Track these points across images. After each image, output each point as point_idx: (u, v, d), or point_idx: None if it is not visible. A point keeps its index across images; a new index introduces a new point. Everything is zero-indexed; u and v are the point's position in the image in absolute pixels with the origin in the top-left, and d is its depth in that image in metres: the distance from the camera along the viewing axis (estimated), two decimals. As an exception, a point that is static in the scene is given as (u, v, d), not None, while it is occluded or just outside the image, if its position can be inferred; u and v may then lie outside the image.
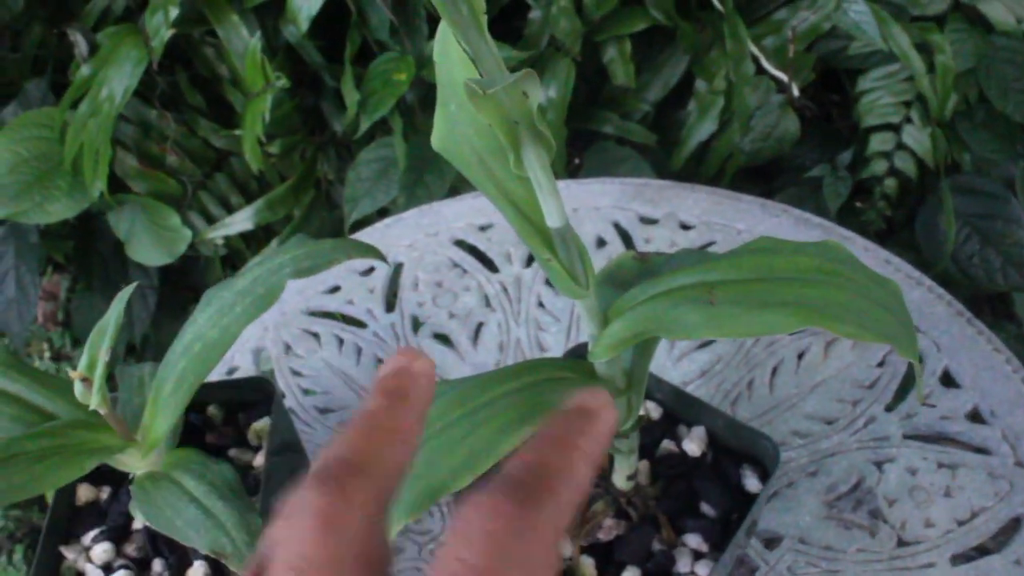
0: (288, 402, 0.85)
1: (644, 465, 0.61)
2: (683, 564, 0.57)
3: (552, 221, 0.43)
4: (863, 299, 0.44)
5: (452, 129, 0.46)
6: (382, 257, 0.60)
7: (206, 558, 0.62)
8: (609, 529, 0.58)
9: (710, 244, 0.89)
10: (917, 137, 1.23)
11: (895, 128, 1.25)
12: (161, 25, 1.20)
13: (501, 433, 0.45)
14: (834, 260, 0.45)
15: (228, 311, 0.56)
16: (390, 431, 0.32)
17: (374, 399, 0.33)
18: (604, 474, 0.59)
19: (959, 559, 0.68)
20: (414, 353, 0.35)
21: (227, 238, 1.42)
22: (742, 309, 0.43)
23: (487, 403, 0.46)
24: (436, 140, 0.46)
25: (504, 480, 0.29)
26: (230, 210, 1.43)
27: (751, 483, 0.60)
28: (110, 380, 0.58)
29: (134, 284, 0.58)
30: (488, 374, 0.48)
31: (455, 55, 0.45)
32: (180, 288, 1.56)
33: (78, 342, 1.96)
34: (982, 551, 0.68)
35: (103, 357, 0.55)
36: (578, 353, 0.63)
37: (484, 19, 0.36)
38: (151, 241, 1.38)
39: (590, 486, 0.57)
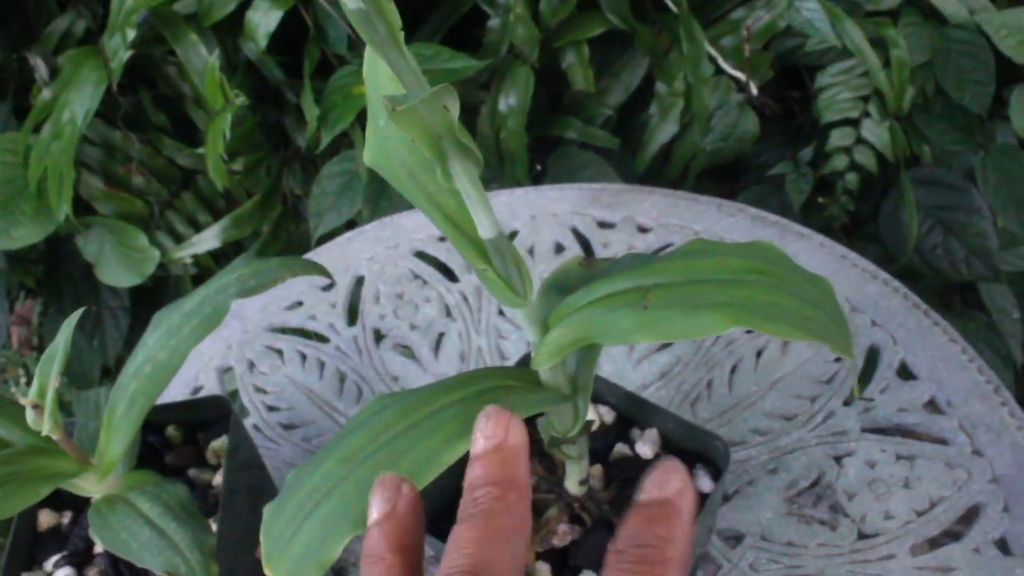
0: (252, 419, 0.85)
1: (597, 469, 0.61)
2: (638, 566, 0.58)
3: (485, 232, 0.43)
4: (794, 298, 0.44)
5: (382, 145, 0.46)
6: (327, 274, 0.60)
7: (166, 579, 0.62)
8: (564, 534, 0.58)
9: (668, 246, 0.90)
10: (876, 131, 1.24)
11: (854, 123, 1.25)
12: (119, 47, 1.20)
13: (445, 444, 0.45)
14: (765, 260, 0.46)
15: (176, 332, 0.56)
16: (512, 531, 0.33)
17: (486, 492, 0.33)
18: (557, 479, 0.60)
19: (919, 549, 0.68)
20: (505, 416, 0.35)
21: (196, 256, 1.42)
22: (675, 312, 0.43)
23: (431, 414, 0.47)
24: (368, 156, 0.47)
25: None
26: (198, 228, 1.43)
27: (704, 483, 0.60)
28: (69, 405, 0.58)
29: (81, 310, 0.58)
30: (433, 385, 0.49)
31: (382, 72, 0.45)
32: (152, 308, 1.53)
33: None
34: (942, 540, 0.69)
35: (53, 383, 0.55)
36: (526, 362, 0.64)
37: (401, 35, 0.37)
38: (120, 262, 1.38)
39: (545, 493, 0.57)
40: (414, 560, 0.34)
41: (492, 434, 0.35)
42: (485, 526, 0.33)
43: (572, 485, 0.58)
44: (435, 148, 0.39)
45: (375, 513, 0.35)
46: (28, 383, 1.96)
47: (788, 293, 0.44)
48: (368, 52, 0.46)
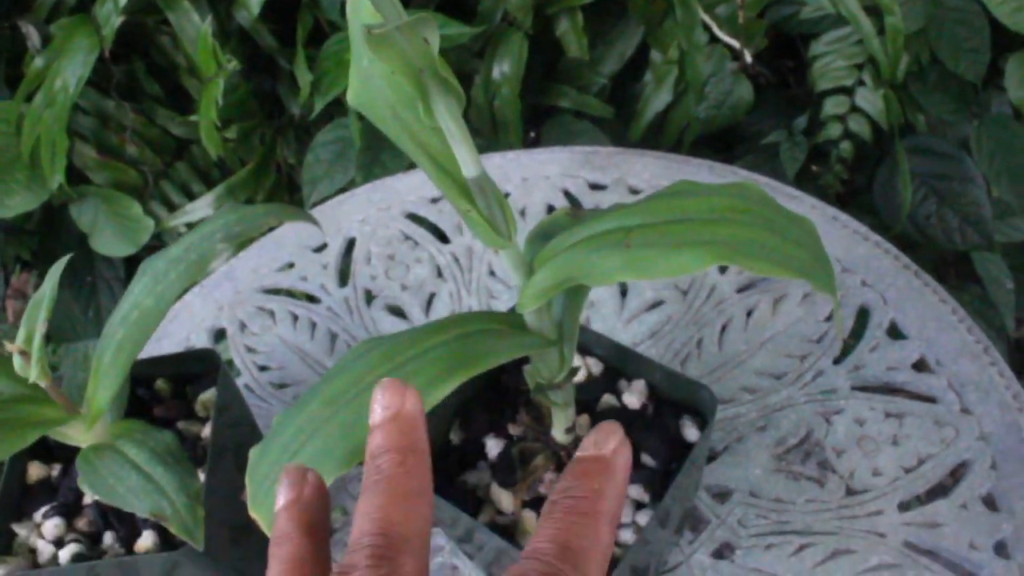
0: (244, 379, 0.85)
1: (584, 419, 0.61)
2: (624, 515, 0.58)
3: (468, 171, 0.43)
4: (777, 236, 0.44)
5: (366, 84, 0.46)
6: (314, 221, 0.60)
7: (154, 527, 0.62)
8: (550, 483, 0.58)
9: (659, 208, 0.90)
10: (870, 99, 1.23)
11: (849, 91, 1.25)
12: (111, 13, 1.20)
13: (429, 385, 0.45)
14: (748, 199, 0.46)
15: (162, 278, 0.56)
16: (417, 494, 0.34)
17: (388, 458, 0.34)
18: (544, 429, 0.60)
19: (907, 506, 0.69)
20: (400, 386, 0.36)
21: (190, 225, 1.42)
22: (657, 251, 0.43)
23: (415, 356, 0.47)
24: (351, 96, 0.47)
25: (535, 558, 0.32)
26: (192, 198, 1.43)
27: (690, 432, 0.60)
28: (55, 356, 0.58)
29: (67, 257, 0.58)
30: (417, 328, 0.49)
31: (364, 9, 0.45)
32: (146, 278, 1.55)
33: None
34: (929, 497, 0.69)
35: (40, 330, 0.56)
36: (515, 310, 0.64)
37: (380, -35, 0.37)
38: (114, 232, 1.38)
39: (534, 447, 0.57)
40: (320, 539, 0.36)
41: (389, 403, 0.36)
42: (389, 491, 0.34)
43: (559, 433, 0.59)
44: (416, 82, 0.39)
45: (282, 499, 0.36)
46: (24, 356, 1.96)
47: (771, 231, 0.44)
48: (351, -9, 0.46)
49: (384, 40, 0.35)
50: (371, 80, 0.46)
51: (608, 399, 0.63)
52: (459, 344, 0.48)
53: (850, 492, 0.70)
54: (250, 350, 0.87)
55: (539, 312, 0.50)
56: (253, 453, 0.48)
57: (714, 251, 0.42)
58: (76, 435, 0.60)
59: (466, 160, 0.43)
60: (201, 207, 1.36)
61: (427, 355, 0.47)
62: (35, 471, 0.68)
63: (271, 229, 0.97)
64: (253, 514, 0.45)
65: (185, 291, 0.56)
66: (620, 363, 0.64)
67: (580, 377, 0.63)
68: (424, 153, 0.45)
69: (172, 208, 1.43)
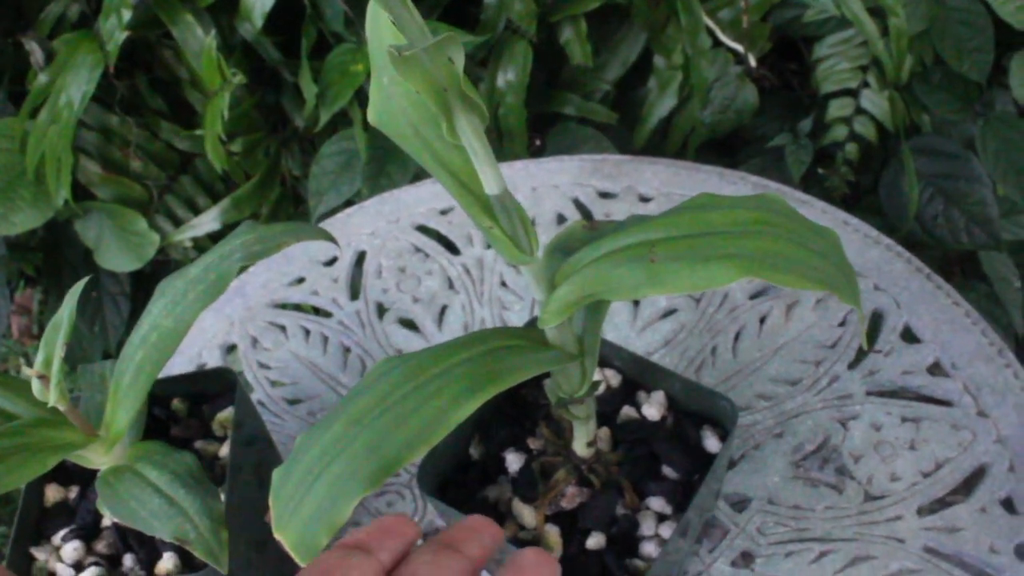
0: (257, 395, 0.85)
1: (605, 432, 0.61)
2: (647, 527, 0.58)
3: (490, 188, 0.43)
4: (802, 248, 0.44)
5: (387, 102, 0.46)
6: (332, 239, 0.60)
7: (175, 549, 0.62)
8: (572, 497, 0.58)
9: (669, 215, 0.90)
10: (875, 101, 1.23)
11: (853, 93, 1.25)
12: (115, 29, 1.20)
13: (454, 403, 0.45)
14: (772, 212, 0.46)
15: (181, 299, 0.56)
16: None
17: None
18: (565, 442, 0.60)
19: (926, 510, 0.69)
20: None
21: (196, 240, 1.42)
22: (682, 264, 0.43)
23: (439, 374, 0.46)
24: (372, 114, 0.46)
25: None
26: (197, 212, 1.43)
27: (711, 443, 0.60)
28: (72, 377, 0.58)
29: (85, 279, 0.58)
30: (440, 346, 0.48)
31: (384, 27, 0.45)
32: (152, 293, 1.55)
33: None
34: (948, 501, 0.69)
35: (58, 353, 0.55)
36: (534, 324, 0.64)
37: (404, -14, 0.37)
38: (120, 247, 1.37)
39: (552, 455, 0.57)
40: None
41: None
42: None
43: (580, 447, 0.58)
44: (440, 101, 0.39)
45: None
46: (29, 372, 1.96)
47: (795, 244, 0.44)
48: (371, 9, 0.46)
49: (411, 61, 0.35)
50: (392, 98, 0.46)
51: (628, 411, 0.63)
52: (482, 361, 0.48)
53: (869, 498, 0.70)
54: (263, 366, 0.87)
55: (561, 327, 0.50)
56: (276, 475, 0.47)
57: (740, 264, 0.42)
58: (94, 457, 0.60)
59: (489, 178, 0.43)
60: (206, 221, 1.36)
61: (451, 373, 0.47)
62: (52, 493, 0.68)
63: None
64: (278, 536, 0.45)
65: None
66: (639, 374, 0.64)
67: (599, 389, 0.63)
68: (445, 170, 0.45)
69: (177, 222, 1.42)
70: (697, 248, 0.44)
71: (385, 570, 0.36)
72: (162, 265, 1.50)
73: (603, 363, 0.65)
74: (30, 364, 1.98)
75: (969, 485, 0.70)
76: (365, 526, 0.38)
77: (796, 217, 0.46)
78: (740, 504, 0.71)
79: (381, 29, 0.45)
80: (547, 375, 0.55)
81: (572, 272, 0.47)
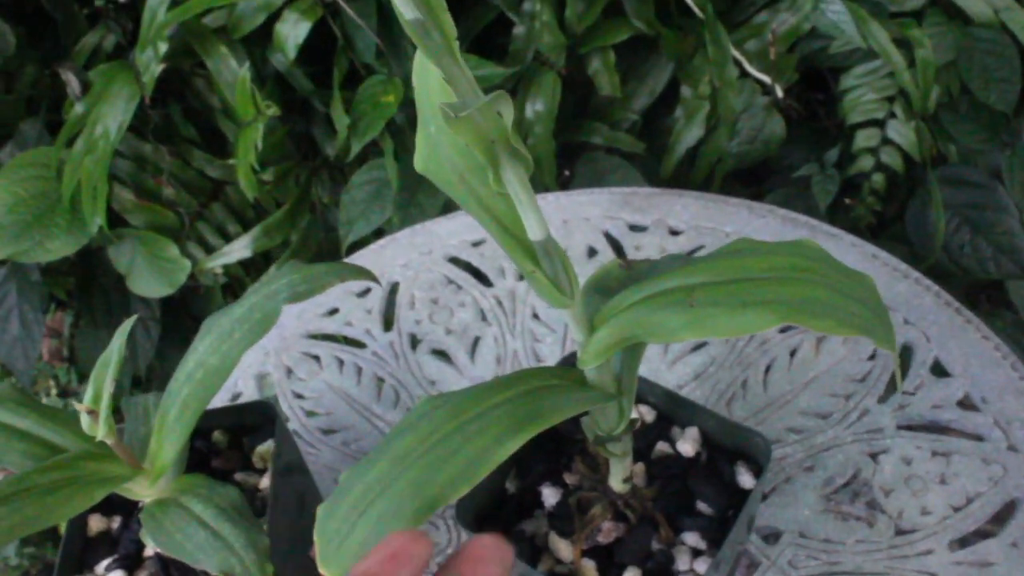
0: (292, 425, 0.86)
1: (640, 467, 0.62)
2: (682, 562, 0.59)
3: (534, 235, 0.44)
4: (839, 294, 0.45)
5: (433, 151, 0.47)
6: (374, 278, 0.61)
7: (218, 581, 0.63)
8: (608, 531, 0.59)
9: (699, 248, 0.91)
10: (902, 131, 1.24)
11: (880, 124, 1.26)
12: (151, 60, 1.22)
13: (496, 443, 0.46)
14: (809, 258, 0.47)
15: (227, 338, 0.57)
16: None
17: None
18: (601, 478, 0.61)
19: (957, 544, 0.69)
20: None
21: (226, 266, 1.44)
22: (722, 310, 0.44)
23: (481, 414, 0.47)
24: (419, 162, 0.48)
25: None
26: (228, 239, 1.45)
27: (745, 479, 0.61)
28: (116, 411, 0.59)
29: (135, 317, 0.59)
30: (481, 386, 0.50)
31: (432, 79, 0.47)
32: (182, 318, 1.57)
33: (84, 377, 1.97)
34: (979, 535, 0.70)
35: (108, 389, 0.57)
36: (570, 362, 0.65)
37: (456, 45, 0.38)
38: (151, 273, 1.39)
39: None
40: None
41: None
42: None
43: (616, 483, 0.59)
44: (488, 153, 0.40)
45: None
46: (60, 394, 1.98)
47: (832, 290, 0.45)
48: (418, 60, 0.47)
49: (465, 120, 0.36)
50: (438, 148, 0.47)
51: (662, 446, 0.64)
52: (523, 401, 0.49)
53: (899, 532, 0.70)
54: (297, 395, 0.89)
55: (600, 367, 0.51)
56: (321, 510, 0.48)
57: (778, 311, 0.43)
58: (139, 490, 0.61)
59: (533, 225, 0.44)
60: (238, 248, 1.38)
61: (492, 413, 0.48)
62: (96, 523, 0.69)
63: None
64: (323, 571, 0.46)
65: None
66: (673, 410, 0.65)
67: (636, 424, 0.64)
68: (491, 217, 0.46)
69: (208, 249, 1.44)
70: (735, 294, 0.45)
71: None
72: (192, 291, 1.52)
73: (638, 399, 0.66)
74: (59, 385, 2.00)
75: (1000, 519, 0.70)
76: (374, 550, 0.36)
77: (832, 262, 0.47)
78: (771, 537, 0.72)
79: (429, 81, 0.47)
80: (585, 412, 0.56)
81: (612, 315, 0.48)
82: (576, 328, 0.49)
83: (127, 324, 0.58)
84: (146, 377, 1.54)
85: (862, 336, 0.43)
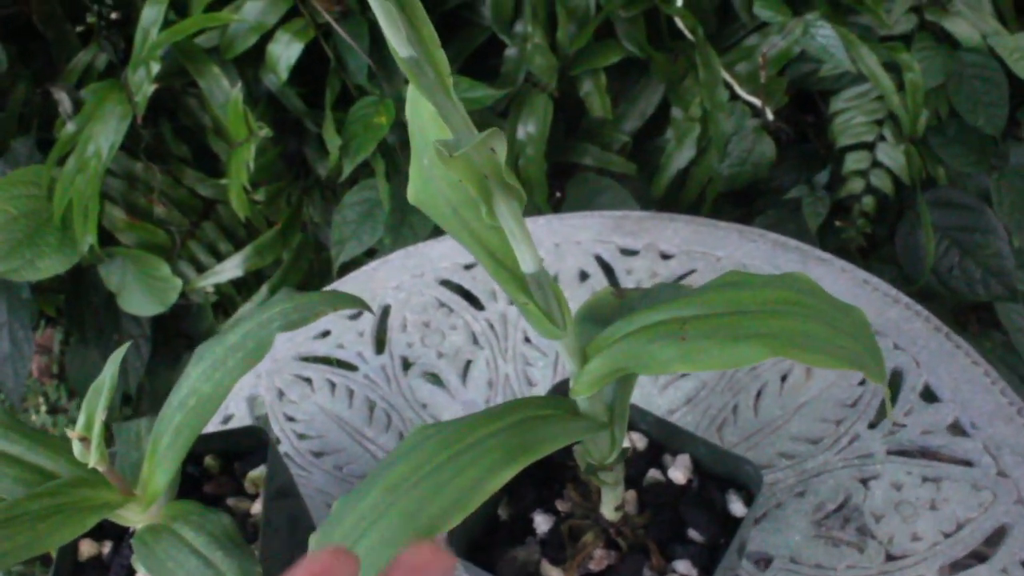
0: (283, 447, 0.86)
1: (631, 495, 0.62)
2: (674, 590, 0.59)
3: (527, 267, 0.45)
4: (829, 328, 0.45)
5: (426, 183, 0.48)
6: (367, 307, 0.62)
7: (209, 607, 0.63)
8: (600, 559, 0.59)
9: (690, 272, 0.91)
10: (891, 154, 1.25)
11: (869, 147, 1.27)
12: (144, 80, 1.22)
13: (489, 472, 0.46)
14: (800, 291, 0.47)
15: (220, 365, 0.58)
16: None
17: None
18: (592, 505, 0.61)
19: (947, 570, 0.69)
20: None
21: (217, 285, 1.44)
22: (713, 343, 0.44)
23: (473, 444, 0.48)
24: (412, 194, 0.48)
25: None
26: (219, 257, 1.45)
27: (736, 507, 0.61)
28: (108, 435, 0.59)
29: (128, 343, 0.59)
30: (473, 416, 0.50)
31: (425, 113, 0.47)
32: (173, 337, 1.57)
33: (73, 394, 1.97)
34: (969, 561, 0.70)
35: (100, 416, 0.57)
36: (561, 390, 0.65)
37: (450, 81, 0.38)
38: (142, 292, 1.39)
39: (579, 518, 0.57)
40: None
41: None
42: None
43: (608, 511, 0.60)
44: (481, 188, 0.40)
45: None
46: (48, 411, 1.98)
47: (823, 323, 0.46)
48: (410, 93, 0.48)
49: (459, 158, 0.37)
50: (431, 180, 0.47)
51: (654, 474, 0.64)
52: (515, 431, 0.49)
53: (890, 557, 0.71)
54: (289, 418, 0.89)
55: (592, 397, 0.51)
56: (313, 540, 0.49)
57: (769, 344, 0.43)
58: (131, 516, 0.61)
59: (525, 257, 0.44)
60: (229, 267, 1.38)
61: (485, 443, 0.48)
62: (87, 548, 0.69)
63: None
64: (315, 600, 0.46)
65: (240, 375, 0.58)
66: (664, 438, 0.65)
67: (628, 453, 0.64)
68: (483, 249, 0.47)
69: (200, 268, 1.44)
70: (727, 327, 0.45)
71: None
72: (183, 309, 1.52)
73: (629, 427, 0.66)
74: (49, 402, 2.00)
75: (990, 545, 0.70)
76: (294, 570, 0.34)
77: (822, 296, 0.48)
78: (763, 562, 0.72)
79: (422, 114, 0.47)
80: (577, 441, 0.56)
81: (604, 346, 0.49)
82: (568, 358, 0.50)
83: (120, 351, 0.58)
84: (136, 396, 1.54)
85: (853, 370, 0.43)
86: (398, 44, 0.37)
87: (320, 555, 0.34)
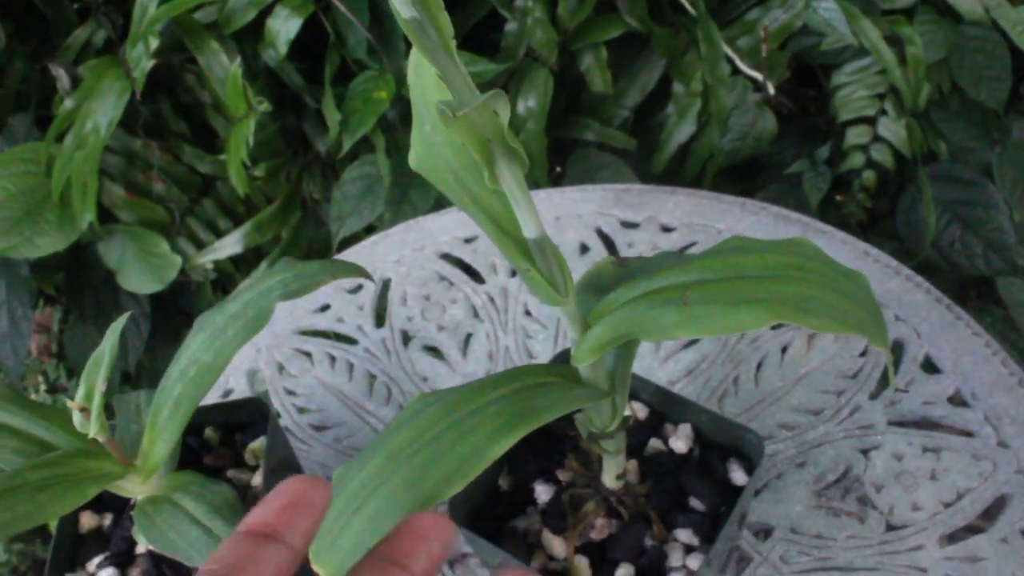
0: (283, 421, 0.86)
1: (633, 464, 0.62)
2: (675, 559, 0.59)
3: (529, 232, 0.44)
4: (832, 292, 0.45)
5: (428, 149, 0.47)
6: (368, 275, 0.61)
7: (210, 577, 0.63)
8: (601, 528, 0.59)
9: (692, 245, 0.91)
10: (892, 128, 1.24)
11: (871, 121, 1.26)
12: (142, 56, 1.22)
13: (490, 439, 0.46)
14: (803, 256, 0.47)
15: (220, 335, 0.57)
16: None
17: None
18: (594, 474, 0.61)
19: (947, 540, 0.69)
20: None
21: (217, 262, 1.43)
22: (716, 308, 0.44)
23: (474, 411, 0.47)
24: (413, 160, 0.48)
25: None
26: (218, 234, 1.44)
27: (737, 476, 0.61)
28: (108, 408, 0.59)
29: (127, 314, 0.59)
30: (474, 383, 0.50)
31: (427, 77, 0.47)
32: (172, 314, 1.57)
33: (73, 373, 1.97)
34: (969, 531, 0.70)
35: (100, 387, 0.57)
36: (563, 359, 0.65)
37: (453, 43, 0.38)
38: (141, 269, 1.39)
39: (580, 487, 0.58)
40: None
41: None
42: None
43: (609, 480, 0.60)
44: (484, 151, 0.40)
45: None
46: (48, 390, 1.98)
47: (826, 288, 0.45)
48: (413, 58, 0.47)
49: (462, 119, 0.36)
50: (433, 146, 0.47)
51: (655, 443, 0.64)
52: (516, 398, 0.49)
53: (890, 527, 0.71)
54: (289, 392, 0.88)
55: (593, 364, 0.51)
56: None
57: (772, 309, 0.43)
58: (131, 487, 0.61)
59: (528, 222, 0.44)
60: (228, 244, 1.38)
61: (486, 410, 0.48)
62: (87, 520, 0.69)
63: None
64: (316, 567, 0.46)
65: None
66: (665, 407, 0.65)
67: (629, 421, 0.64)
68: (485, 215, 0.46)
69: (199, 244, 1.44)
70: (730, 292, 0.45)
71: (299, 556, 0.34)
72: (182, 286, 1.52)
73: (631, 396, 0.66)
74: (48, 381, 2.00)
75: (990, 515, 0.70)
76: (267, 498, 0.34)
77: (826, 260, 0.47)
78: (763, 533, 0.72)
79: (424, 79, 0.47)
80: (578, 409, 0.56)
81: (606, 313, 0.48)
82: (570, 325, 0.50)
83: (119, 322, 0.58)
84: (135, 373, 1.53)
85: (856, 334, 0.43)
86: (401, 5, 0.36)
87: (293, 481, 0.34)
